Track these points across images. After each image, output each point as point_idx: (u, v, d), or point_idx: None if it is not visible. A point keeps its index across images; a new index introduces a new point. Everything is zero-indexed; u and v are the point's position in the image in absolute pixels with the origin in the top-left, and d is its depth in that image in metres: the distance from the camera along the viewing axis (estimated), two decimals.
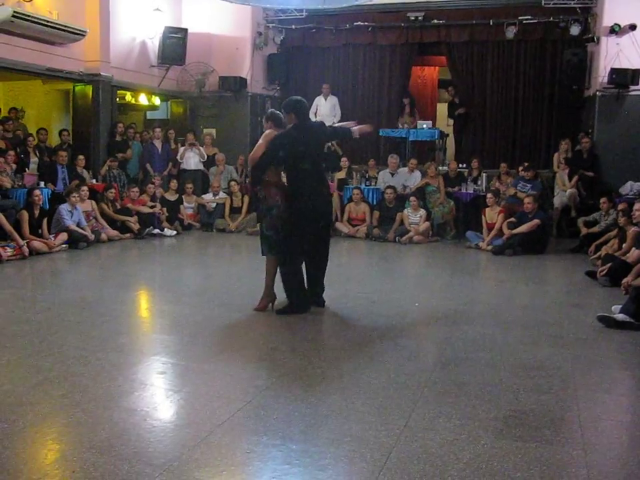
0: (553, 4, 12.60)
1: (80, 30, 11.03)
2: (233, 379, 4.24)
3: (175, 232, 11.32)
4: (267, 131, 6.01)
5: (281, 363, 4.56)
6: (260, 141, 5.93)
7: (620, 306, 5.78)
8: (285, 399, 3.84)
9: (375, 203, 11.71)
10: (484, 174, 11.84)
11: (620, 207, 8.97)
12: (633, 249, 7.33)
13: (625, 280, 6.42)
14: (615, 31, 11.68)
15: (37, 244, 8.95)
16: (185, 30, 13.39)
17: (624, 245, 7.92)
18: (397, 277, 8.44)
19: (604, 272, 7.42)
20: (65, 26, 10.69)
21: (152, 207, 11.31)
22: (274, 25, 14.56)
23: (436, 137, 13.00)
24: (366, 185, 12.07)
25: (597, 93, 12.00)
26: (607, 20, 11.85)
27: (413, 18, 13.75)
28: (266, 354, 4.79)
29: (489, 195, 10.58)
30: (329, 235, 6.31)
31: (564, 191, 11.32)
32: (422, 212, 11.00)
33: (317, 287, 6.13)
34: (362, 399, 3.86)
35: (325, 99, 13.90)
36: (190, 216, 12.11)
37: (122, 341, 5.03)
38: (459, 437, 3.36)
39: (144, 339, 5.40)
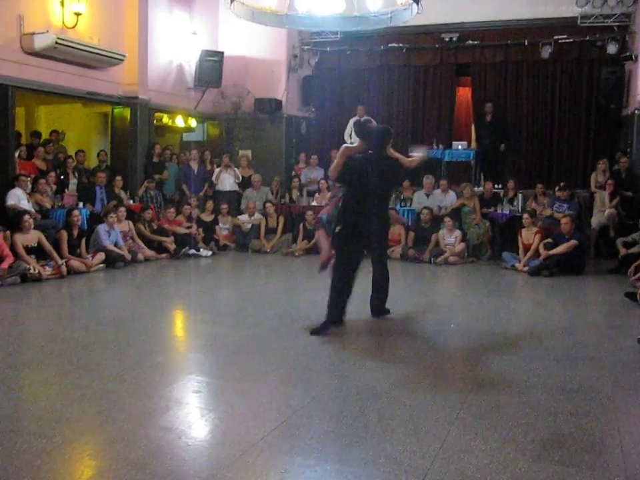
0: (589, 23, 12.51)
1: (119, 54, 11.27)
2: (267, 398, 4.24)
3: (210, 252, 11.40)
4: (351, 146, 6.20)
5: (315, 383, 4.55)
6: (338, 153, 6.02)
7: None
8: (320, 419, 3.82)
9: (410, 224, 11.68)
10: (520, 194, 11.74)
11: None
12: None
13: None
14: None
15: (75, 263, 9.10)
16: (221, 53, 13.59)
17: None
18: (432, 297, 8.38)
19: None
20: (105, 51, 10.94)
21: (188, 228, 11.42)
22: (309, 47, 14.70)
23: (471, 157, 12.94)
24: (401, 206, 12.04)
25: (636, 111, 11.83)
26: None
27: (447, 39, 13.79)
28: (301, 374, 4.78)
29: (525, 216, 10.47)
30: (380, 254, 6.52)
31: (602, 211, 11.15)
32: (457, 233, 10.93)
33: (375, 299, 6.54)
34: (397, 419, 3.83)
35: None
36: (225, 237, 12.20)
37: (158, 360, 5.06)
38: (495, 459, 3.31)
39: (179, 358, 5.44)
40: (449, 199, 11.93)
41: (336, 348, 5.51)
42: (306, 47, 14.69)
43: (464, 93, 16.05)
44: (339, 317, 6.04)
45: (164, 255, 10.81)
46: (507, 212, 11.46)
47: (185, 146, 15.59)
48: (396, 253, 11.13)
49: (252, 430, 3.65)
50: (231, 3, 8.23)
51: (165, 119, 14.52)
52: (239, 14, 8.63)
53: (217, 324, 6.38)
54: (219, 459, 3.29)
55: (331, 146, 14.26)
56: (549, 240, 9.89)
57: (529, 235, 10.22)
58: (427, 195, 12.07)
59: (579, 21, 12.54)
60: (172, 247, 10.92)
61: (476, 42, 13.76)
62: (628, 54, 12.25)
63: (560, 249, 9.58)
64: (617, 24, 12.43)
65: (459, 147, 13.16)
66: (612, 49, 12.49)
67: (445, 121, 14.53)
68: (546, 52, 13.06)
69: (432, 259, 10.71)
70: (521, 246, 10.28)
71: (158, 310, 7.09)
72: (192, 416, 3.92)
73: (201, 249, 11.31)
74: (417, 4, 8.00)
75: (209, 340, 5.82)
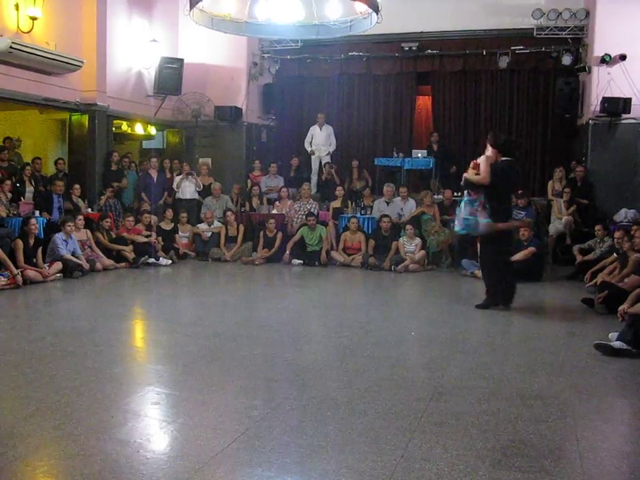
0: (545, 34, 12.77)
1: (77, 60, 11.11)
2: (227, 409, 4.20)
3: (170, 261, 11.29)
4: (490, 155, 7.34)
5: (276, 393, 4.52)
6: (484, 163, 7.27)
7: (617, 333, 5.75)
8: (280, 430, 3.79)
9: (370, 231, 11.72)
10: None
11: (617, 234, 8.98)
12: (632, 275, 7.35)
13: (621, 307, 6.40)
14: (606, 60, 11.86)
15: (32, 273, 8.91)
16: (181, 60, 13.51)
17: (624, 271, 7.93)
18: (392, 305, 8.41)
19: (600, 299, 7.42)
20: (62, 56, 10.77)
21: (147, 236, 11.29)
22: (269, 55, 14.71)
23: (431, 165, 13.06)
24: (361, 214, 12.09)
25: (590, 121, 12.11)
26: (598, 50, 12.02)
27: (407, 48, 13.91)
28: (261, 384, 4.74)
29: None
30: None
31: (559, 219, 11.34)
32: (417, 240, 11.00)
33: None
34: (358, 429, 3.82)
35: (320, 129, 13.98)
36: (185, 245, 12.09)
37: (116, 371, 4.98)
38: (456, 467, 3.32)
39: (138, 369, 5.35)
40: (409, 207, 12.02)
41: (296, 357, 5.49)
42: (266, 55, 14.70)
43: (424, 102, 16.22)
44: (506, 301, 7.58)
45: (123, 264, 10.66)
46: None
47: (144, 154, 15.44)
48: (356, 261, 11.16)
49: (212, 442, 3.61)
50: (190, 10, 8.17)
51: (124, 127, 14.35)
52: (198, 21, 8.58)
53: (176, 334, 6.30)
54: (178, 473, 3.23)
55: (291, 154, 14.28)
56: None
57: None
58: (387, 203, 12.13)
59: (534, 33, 12.80)
60: (131, 255, 10.78)
61: (435, 51, 13.92)
62: (582, 65, 12.55)
63: (518, 256, 9.69)
64: (571, 36, 12.72)
65: (419, 155, 13.28)
66: (566, 60, 12.78)
67: (405, 129, 14.66)
68: (503, 62, 13.29)
69: (392, 267, 10.76)
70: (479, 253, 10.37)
71: (116, 320, 6.97)
72: (150, 428, 3.86)
73: (161, 258, 11.19)
74: (377, 13, 8.04)
75: (167, 350, 5.75)
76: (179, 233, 12.10)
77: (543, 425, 3.95)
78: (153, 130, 14.79)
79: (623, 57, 11.76)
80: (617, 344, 5.59)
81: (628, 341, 5.55)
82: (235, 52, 13.92)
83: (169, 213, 12.19)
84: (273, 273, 10.80)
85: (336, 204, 12.56)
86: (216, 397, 4.44)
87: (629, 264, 7.79)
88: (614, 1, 11.77)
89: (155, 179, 12.72)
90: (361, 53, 14.33)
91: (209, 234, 12.19)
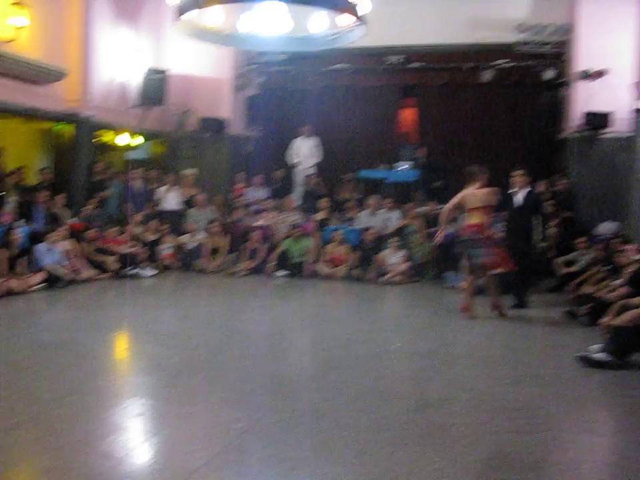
0: (527, 49, 12.92)
1: (61, 70, 11.06)
2: (211, 421, 4.18)
3: (153, 272, 11.22)
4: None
5: (259, 405, 4.50)
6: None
7: (598, 346, 5.79)
8: (264, 442, 3.78)
9: (355, 243, 11.73)
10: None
11: (598, 247, 9.11)
12: (621, 287, 7.43)
13: (604, 319, 6.45)
14: (587, 75, 12.02)
15: (14, 283, 8.82)
16: (167, 71, 13.48)
17: (615, 283, 8.04)
18: (377, 317, 8.42)
19: (585, 311, 7.48)
20: (46, 66, 10.72)
21: (131, 247, 11.23)
22: (255, 67, 14.72)
23: (415, 178, 13.09)
24: (346, 226, 12.09)
25: (572, 135, 12.24)
26: (579, 65, 12.18)
27: (392, 61, 14.00)
28: (245, 396, 4.72)
29: None
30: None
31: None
32: (402, 252, 11.03)
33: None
34: (342, 441, 3.81)
35: (305, 140, 14.00)
36: (168, 256, 12.03)
37: (98, 383, 4.93)
38: None
39: (121, 381, 5.31)
40: (394, 219, 12.04)
41: (281, 369, 5.48)
42: (252, 67, 14.70)
43: (409, 114, 16.29)
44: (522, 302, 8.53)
45: (107, 275, 10.59)
46: (451, 232, 11.59)
47: (128, 164, 15.36)
48: (341, 273, 11.15)
49: (195, 454, 3.58)
50: (177, 20, 8.17)
51: (108, 137, 14.29)
52: (184, 32, 8.58)
53: (159, 345, 6.26)
54: None
55: (276, 166, 14.27)
56: None
57: None
58: (372, 215, 12.16)
59: (517, 47, 12.94)
60: (114, 266, 10.70)
61: (420, 64, 14.01)
62: (564, 80, 12.71)
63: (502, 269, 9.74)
64: (553, 51, 12.88)
65: (404, 167, 13.32)
66: (548, 75, 12.93)
67: (389, 142, 14.70)
68: (487, 76, 13.42)
69: (377, 279, 10.77)
70: (464, 265, 10.39)
71: (99, 331, 6.92)
72: (133, 441, 3.83)
73: (144, 269, 11.12)
74: (362, 27, 8.08)
75: (151, 362, 5.72)
76: (163, 244, 12.05)
77: (526, 437, 3.96)
78: (137, 140, 14.73)
79: (603, 72, 11.93)
80: (600, 356, 5.63)
81: (611, 353, 5.60)
82: (221, 63, 13.92)
83: (153, 224, 12.13)
84: (257, 285, 10.77)
85: (320, 215, 12.56)
86: (200, 409, 4.41)
87: (622, 277, 7.89)
88: (595, 17, 11.95)
89: (139, 190, 12.67)
90: (345, 66, 14.38)
91: (193, 245, 12.15)
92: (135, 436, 3.91)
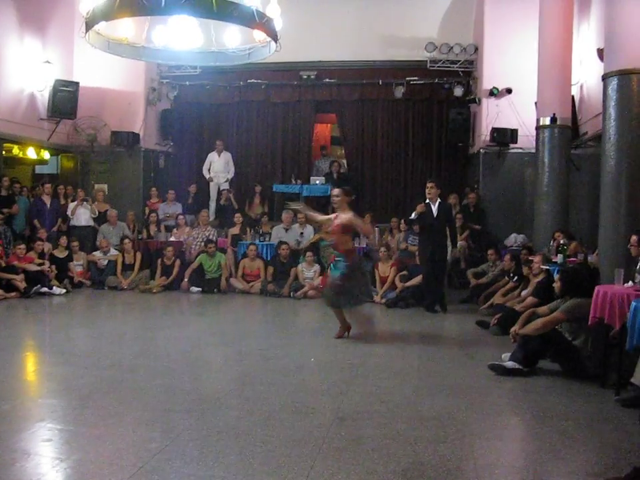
0: (438, 67, 13.34)
1: None
2: (124, 443, 4.06)
3: (64, 290, 10.87)
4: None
5: (175, 424, 4.41)
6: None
7: (509, 354, 5.98)
8: (180, 462, 3.70)
9: (269, 258, 11.72)
10: (376, 229, 12.09)
11: (506, 258, 9.47)
12: (530, 297, 7.72)
13: (512, 328, 6.66)
14: (494, 93, 12.55)
15: None
16: (77, 83, 13.15)
17: (523, 293, 8.35)
18: (292, 332, 8.41)
19: (495, 321, 7.72)
20: None
21: (40, 265, 10.84)
22: (168, 80, 14.57)
23: (328, 192, 13.20)
24: (260, 241, 12.07)
25: (481, 150, 12.70)
26: (487, 83, 12.69)
27: (305, 76, 14.14)
28: (159, 415, 4.62)
29: (381, 249, 10.78)
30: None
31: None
32: (316, 267, 11.09)
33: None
34: (260, 458, 3.78)
35: (219, 155, 13.94)
36: (80, 273, 11.69)
37: (4, 408, 4.71)
38: None
39: (29, 404, 5.09)
40: (307, 233, 12.11)
41: (196, 387, 5.39)
42: (165, 80, 14.55)
43: (322, 129, 16.49)
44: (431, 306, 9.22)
45: (13, 294, 10.18)
46: (364, 246, 11.76)
47: (37, 179, 14.88)
48: (255, 288, 11.10)
49: (108, 478, 3.47)
50: (86, 32, 7.97)
51: (16, 150, 13.78)
52: (94, 44, 8.38)
53: (70, 365, 6.06)
54: None
55: (189, 181, 14.14)
56: (405, 272, 10.26)
57: (385, 268, 10.53)
58: (286, 230, 12.19)
59: (428, 65, 13.36)
60: (22, 285, 10.30)
61: (333, 80, 14.21)
62: (472, 97, 13.20)
63: (415, 281, 9.94)
64: (462, 69, 13.41)
65: (317, 182, 13.45)
66: (458, 91, 13.42)
67: (303, 157, 14.82)
68: (399, 92, 13.79)
69: (291, 293, 10.78)
70: (378, 279, 10.56)
71: (6, 353, 6.62)
72: (42, 467, 3.67)
73: (54, 287, 10.76)
74: (275, 42, 8.12)
75: (61, 383, 5.52)
76: (74, 261, 11.70)
77: (442, 445, 4.04)
78: (46, 154, 14.27)
79: (509, 91, 12.50)
80: (510, 364, 5.82)
81: (519, 361, 5.79)
82: (133, 76, 13.70)
83: (63, 241, 11.76)
84: (171, 301, 10.59)
85: (234, 231, 12.50)
86: (112, 430, 4.28)
87: (530, 287, 8.21)
88: (500, 38, 12.46)
89: (48, 205, 12.27)
90: (259, 81, 14.43)
91: (105, 262, 11.85)
92: (43, 462, 3.75)
